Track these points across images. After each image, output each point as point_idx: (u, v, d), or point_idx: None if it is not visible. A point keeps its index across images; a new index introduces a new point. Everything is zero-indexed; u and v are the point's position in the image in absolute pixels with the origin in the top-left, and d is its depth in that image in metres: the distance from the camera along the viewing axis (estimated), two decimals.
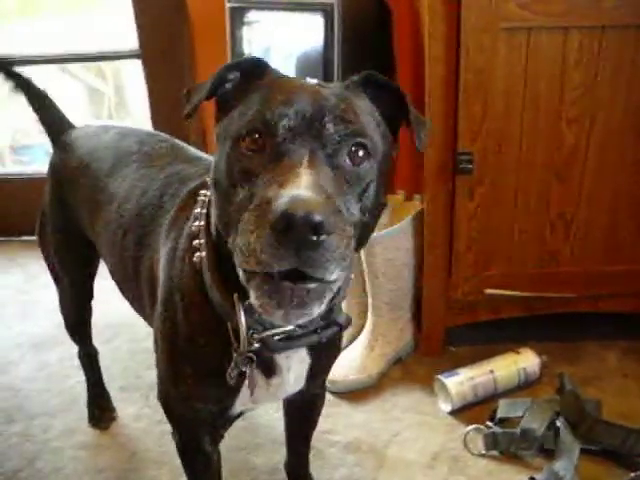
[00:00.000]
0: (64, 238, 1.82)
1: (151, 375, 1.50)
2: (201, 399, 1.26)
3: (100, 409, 2.15)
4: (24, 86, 1.84)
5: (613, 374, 2.22)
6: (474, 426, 1.95)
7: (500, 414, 1.97)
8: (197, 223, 1.18)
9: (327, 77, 2.17)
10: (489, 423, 1.95)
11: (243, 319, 1.07)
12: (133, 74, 3.62)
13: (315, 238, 0.80)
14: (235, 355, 1.11)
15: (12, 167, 4.34)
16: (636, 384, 2.16)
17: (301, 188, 0.84)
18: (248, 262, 0.85)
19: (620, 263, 2.19)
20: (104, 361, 2.19)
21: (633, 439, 1.83)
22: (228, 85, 1.11)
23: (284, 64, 2.36)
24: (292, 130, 0.94)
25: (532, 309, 2.23)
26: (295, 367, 1.24)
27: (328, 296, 0.90)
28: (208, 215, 1.15)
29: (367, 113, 1.04)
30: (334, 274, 0.85)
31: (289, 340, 1.12)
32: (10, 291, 3.10)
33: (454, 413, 2.07)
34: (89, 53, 3.53)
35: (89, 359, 2.15)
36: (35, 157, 4.36)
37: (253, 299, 0.89)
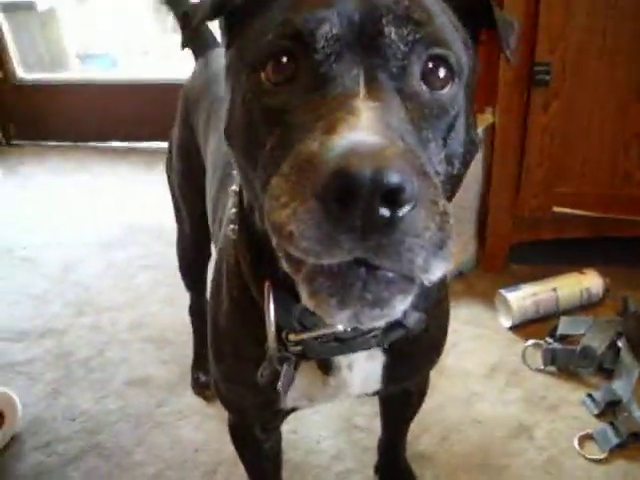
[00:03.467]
0: (187, 165, 1.60)
1: None
2: (241, 385, 1.06)
3: (206, 374, 1.87)
4: None
5: None
6: (533, 341, 1.95)
7: (561, 331, 1.96)
8: (234, 187, 0.97)
9: None
10: (549, 339, 1.95)
11: (272, 314, 0.86)
12: None
13: (390, 213, 0.54)
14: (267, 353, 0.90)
15: (79, 75, 4.37)
16: None
17: (361, 130, 0.58)
18: (286, 248, 0.60)
19: None
20: None
21: None
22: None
23: None
24: (337, 42, 0.67)
25: (599, 230, 2.18)
26: (360, 366, 0.98)
27: (416, 288, 0.62)
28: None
29: (440, 11, 0.75)
30: (426, 271, 0.58)
31: (337, 344, 0.90)
32: (79, 193, 3.19)
33: (514, 328, 2.07)
34: None
35: (200, 312, 1.85)
36: (101, 66, 4.39)
37: (305, 297, 0.63)
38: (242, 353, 1.01)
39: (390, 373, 1.01)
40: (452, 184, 0.74)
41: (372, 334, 0.89)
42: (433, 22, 0.70)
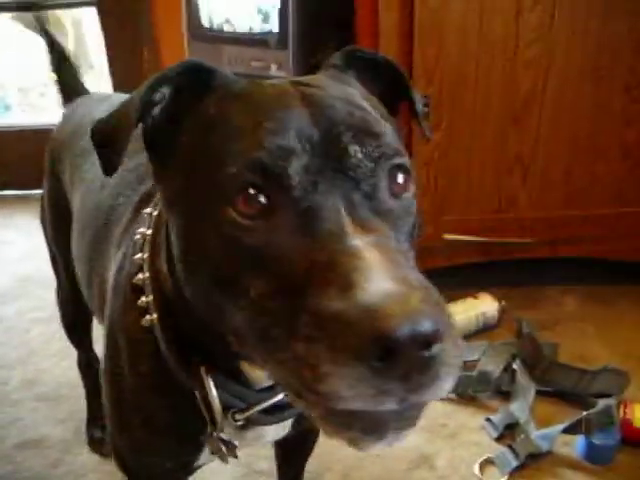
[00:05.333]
0: (58, 215, 1.53)
1: None
2: (154, 453, 1.01)
3: (102, 430, 1.79)
4: (49, 42, 1.65)
5: (571, 318, 2.25)
6: None
7: None
8: (140, 276, 0.90)
9: (282, 28, 2.12)
10: None
11: (217, 400, 0.85)
12: (93, 26, 3.53)
13: (428, 354, 0.56)
14: (211, 434, 0.90)
15: None
16: (593, 328, 2.19)
17: (378, 279, 0.57)
18: (316, 401, 0.59)
19: (579, 208, 2.20)
20: None
21: (587, 380, 1.86)
22: (156, 110, 0.76)
23: None
24: (308, 173, 0.65)
25: (491, 254, 2.24)
26: None
27: None
28: (154, 252, 0.87)
29: (375, 109, 0.75)
30: (448, 389, 0.60)
31: (280, 410, 0.91)
32: None
33: None
34: (44, 1, 3.42)
35: (89, 367, 1.83)
36: None
37: (328, 432, 0.62)
38: (155, 424, 0.96)
39: (299, 420, 1.02)
40: None
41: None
42: (385, 131, 0.71)
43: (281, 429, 1.04)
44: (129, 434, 1.01)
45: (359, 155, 0.67)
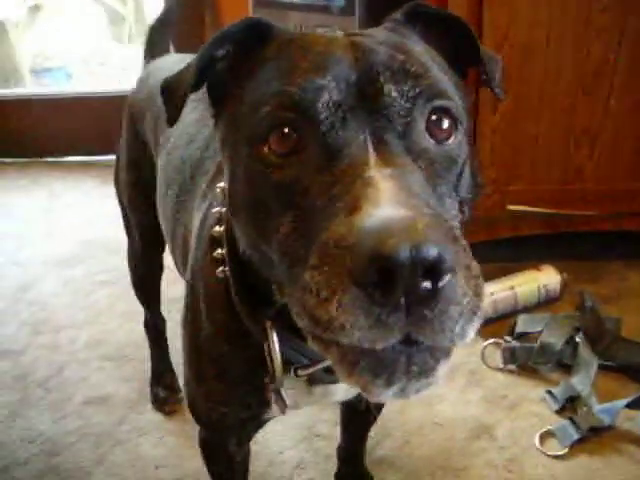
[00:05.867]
0: (136, 176, 1.58)
1: None
2: (227, 404, 1.04)
3: (165, 389, 1.87)
4: None
5: (634, 294, 2.21)
6: (492, 340, 1.96)
7: (519, 329, 1.98)
8: (217, 228, 0.92)
9: None
10: (507, 337, 1.95)
11: (278, 354, 0.86)
12: None
13: (432, 285, 0.53)
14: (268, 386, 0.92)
15: (33, 89, 4.31)
16: None
17: (385, 205, 0.56)
18: (326, 334, 0.58)
19: None
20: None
21: None
22: (220, 65, 0.82)
23: None
24: (339, 109, 0.66)
25: (554, 226, 2.20)
26: None
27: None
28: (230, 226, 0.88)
29: (432, 60, 0.75)
30: (464, 336, 0.58)
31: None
32: (35, 211, 3.14)
33: None
34: None
35: (155, 328, 1.89)
36: (55, 80, 4.35)
37: (344, 376, 0.61)
38: (229, 375, 0.99)
39: None
40: (463, 230, 0.72)
41: None
42: (430, 73, 0.70)
43: (352, 390, 1.02)
44: (205, 383, 1.03)
45: (393, 94, 0.67)
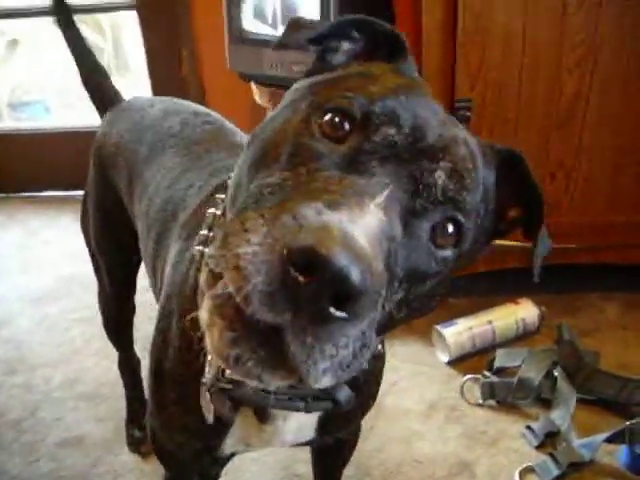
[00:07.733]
0: (105, 220, 1.56)
1: None
2: (183, 431, 1.04)
3: (141, 430, 1.82)
4: (76, 42, 1.62)
5: (612, 326, 2.22)
6: (471, 376, 1.95)
7: (497, 364, 1.97)
8: (200, 248, 0.92)
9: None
10: (486, 373, 1.95)
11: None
12: (131, 29, 3.57)
13: (333, 309, 0.53)
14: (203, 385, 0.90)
15: (11, 124, 4.29)
16: (635, 336, 2.16)
17: (356, 225, 0.57)
18: (227, 264, 0.57)
19: (622, 214, 2.17)
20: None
21: (630, 388, 1.83)
22: (346, 45, 0.85)
23: None
24: (390, 147, 0.68)
25: (530, 260, 2.20)
26: (295, 417, 0.98)
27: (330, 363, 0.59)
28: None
29: (486, 188, 0.76)
30: (315, 380, 0.57)
31: (265, 395, 0.87)
32: (10, 247, 3.11)
33: (452, 363, 2.07)
34: (83, 4, 3.40)
35: (129, 367, 1.86)
36: (34, 114, 4.33)
37: (204, 324, 0.60)
38: (187, 400, 0.98)
39: (324, 425, 1.02)
40: (387, 326, 0.71)
41: (301, 399, 0.89)
42: (475, 194, 0.72)
43: (301, 434, 1.03)
44: (165, 410, 1.03)
45: (439, 181, 0.68)
